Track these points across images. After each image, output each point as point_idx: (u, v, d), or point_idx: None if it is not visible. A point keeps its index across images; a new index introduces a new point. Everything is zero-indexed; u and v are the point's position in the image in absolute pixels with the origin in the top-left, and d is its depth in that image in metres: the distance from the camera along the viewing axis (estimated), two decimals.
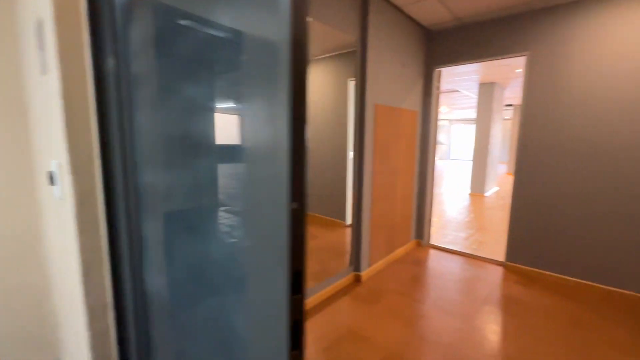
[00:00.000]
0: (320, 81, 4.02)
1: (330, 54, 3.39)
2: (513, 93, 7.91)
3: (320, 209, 4.37)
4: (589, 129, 2.63)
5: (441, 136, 18.35)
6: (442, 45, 3.37)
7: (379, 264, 3.06)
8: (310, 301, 2.45)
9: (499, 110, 7.26)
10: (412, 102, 3.35)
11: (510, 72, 5.55)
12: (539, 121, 2.86)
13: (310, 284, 2.57)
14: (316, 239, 3.96)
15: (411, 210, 3.58)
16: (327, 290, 2.60)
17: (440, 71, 3.54)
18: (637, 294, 2.52)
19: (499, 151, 7.80)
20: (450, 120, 18.10)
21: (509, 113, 12.31)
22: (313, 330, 2.12)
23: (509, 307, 2.43)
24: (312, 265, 2.96)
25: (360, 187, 2.75)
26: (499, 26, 2.99)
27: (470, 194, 7.18)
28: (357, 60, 2.62)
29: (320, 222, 4.45)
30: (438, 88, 3.57)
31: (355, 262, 2.85)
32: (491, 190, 7.54)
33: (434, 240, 3.87)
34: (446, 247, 3.67)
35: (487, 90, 6.79)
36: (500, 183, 8.87)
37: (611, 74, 2.50)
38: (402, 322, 2.20)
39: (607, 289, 2.63)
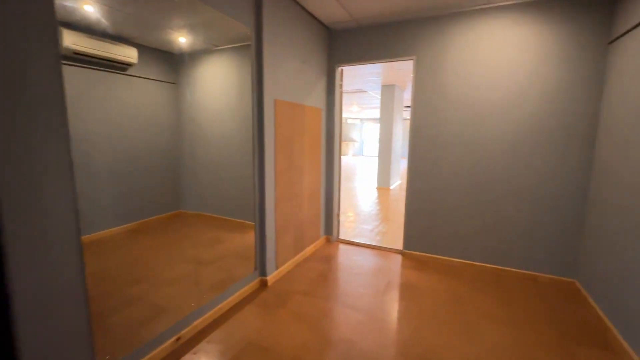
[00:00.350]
0: (224, 74, 3.72)
1: (234, 45, 3.15)
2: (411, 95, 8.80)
3: (228, 211, 4.06)
4: (464, 127, 3.00)
5: (354, 134, 19.51)
6: (343, 44, 3.45)
7: (287, 265, 2.98)
8: (210, 315, 2.20)
9: (399, 111, 7.99)
10: (316, 99, 3.34)
11: (406, 76, 6.12)
12: (425, 120, 3.15)
13: (211, 295, 2.32)
14: (222, 243, 3.66)
15: (319, 207, 3.60)
16: (229, 301, 2.38)
17: (342, 69, 3.62)
18: (501, 267, 3.00)
19: (400, 148, 8.61)
20: (361, 119, 19.37)
21: (408, 114, 13.77)
22: (209, 350, 1.90)
23: (405, 293, 2.61)
24: (215, 274, 2.70)
25: (262, 187, 2.60)
26: (391, 30, 3.19)
27: (377, 188, 7.75)
28: (251, 52, 2.45)
29: (228, 224, 4.13)
30: (341, 86, 3.65)
31: (261, 267, 2.70)
32: (395, 184, 8.28)
33: (343, 235, 3.98)
34: (354, 240, 3.81)
35: (388, 92, 7.38)
36: (403, 176, 9.84)
37: (480, 79, 2.89)
38: (306, 325, 2.14)
39: (480, 265, 3.07)
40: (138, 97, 2.62)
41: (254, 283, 2.64)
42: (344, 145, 19.44)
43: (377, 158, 7.86)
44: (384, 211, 5.41)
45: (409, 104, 10.79)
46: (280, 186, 2.77)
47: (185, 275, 2.67)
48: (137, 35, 2.43)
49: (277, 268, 2.81)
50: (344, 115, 17.25)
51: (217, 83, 3.69)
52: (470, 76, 2.92)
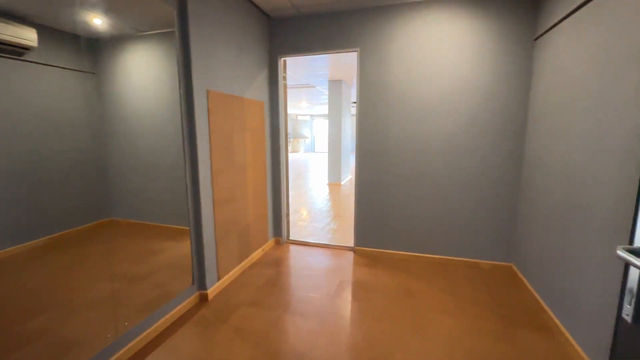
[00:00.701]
0: (152, 62, 3.28)
1: (162, 31, 2.76)
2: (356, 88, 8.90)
3: (164, 217, 3.65)
4: (409, 121, 3.00)
5: (304, 130, 19.40)
6: (285, 34, 3.24)
7: (232, 274, 2.71)
8: (136, 342, 1.87)
9: (347, 107, 8.01)
10: (258, 92, 3.09)
11: (352, 71, 6.10)
12: (371, 114, 3.10)
13: (139, 318, 1.98)
14: (157, 254, 3.26)
15: (266, 207, 3.37)
16: (161, 323, 2.06)
17: (285, 60, 3.41)
18: (447, 257, 3.08)
19: (350, 143, 8.67)
20: (311, 116, 19.32)
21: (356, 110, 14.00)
22: None
23: (357, 292, 2.52)
24: (146, 292, 2.34)
25: (197, 190, 2.30)
26: (334, 20, 3.06)
27: (328, 184, 7.70)
28: (176, 35, 2.13)
29: (165, 232, 3.71)
30: (285, 78, 3.44)
31: (199, 279, 2.40)
32: (346, 179, 8.33)
33: (294, 235, 3.80)
34: (305, 240, 3.65)
35: (335, 87, 7.33)
36: (353, 171, 9.95)
37: (423, 73, 2.90)
38: (250, 341, 1.92)
39: (427, 257, 3.12)
40: (46, 88, 2.15)
41: (192, 298, 2.34)
42: (295, 142, 19.22)
43: (327, 154, 7.80)
44: (335, 207, 5.35)
45: (355, 99, 10.94)
46: (218, 187, 2.49)
47: (108, 297, 2.27)
48: (34, 13, 1.96)
49: (219, 279, 2.53)
50: (294, 111, 17.02)
51: (145, 73, 3.24)
52: (413, 70, 2.91)
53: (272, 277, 2.76)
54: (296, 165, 12.35)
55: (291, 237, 3.70)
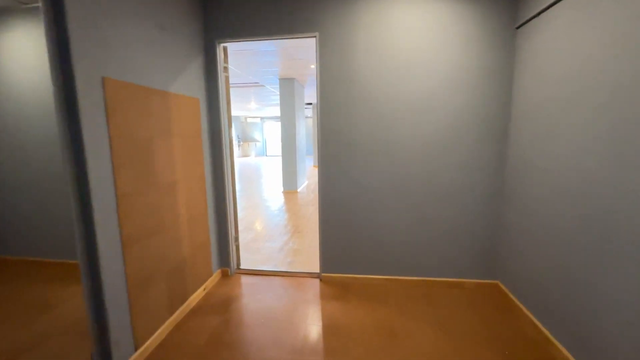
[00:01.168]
0: (42, 45, 2.44)
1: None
2: (312, 92, 8.41)
3: (66, 250, 2.81)
4: (380, 123, 2.53)
5: (255, 134, 18.44)
6: (225, 13, 2.57)
7: (159, 334, 1.96)
8: None
9: (301, 107, 7.46)
10: (190, 85, 2.38)
11: (306, 68, 5.58)
12: (335, 114, 2.57)
13: None
14: (51, 309, 2.40)
15: (208, 233, 2.65)
16: None
17: (226, 48, 2.73)
18: (427, 279, 2.67)
19: (304, 146, 8.12)
20: (261, 118, 18.43)
21: (309, 111, 13.56)
22: None
23: (330, 343, 1.95)
24: None
25: (90, 225, 1.53)
26: None
27: (283, 192, 7.06)
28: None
29: (68, 272, 2.84)
30: (226, 69, 2.76)
31: (103, 356, 1.63)
32: (302, 185, 7.76)
33: (245, 262, 3.12)
34: (259, 268, 2.99)
35: (287, 86, 6.75)
36: (309, 175, 9.44)
37: (396, 66, 2.45)
38: None
39: (406, 280, 2.68)
40: None
41: None
42: (245, 145, 18.16)
43: (280, 158, 7.16)
44: (294, 220, 4.75)
45: (309, 100, 10.45)
46: (129, 218, 1.74)
47: None
48: None
49: (136, 348, 1.78)
50: (243, 113, 16.01)
51: (34, 59, 2.36)
52: (384, 62, 2.45)
53: (216, 330, 2.07)
54: (247, 171, 11.47)
55: (242, 266, 3.02)
